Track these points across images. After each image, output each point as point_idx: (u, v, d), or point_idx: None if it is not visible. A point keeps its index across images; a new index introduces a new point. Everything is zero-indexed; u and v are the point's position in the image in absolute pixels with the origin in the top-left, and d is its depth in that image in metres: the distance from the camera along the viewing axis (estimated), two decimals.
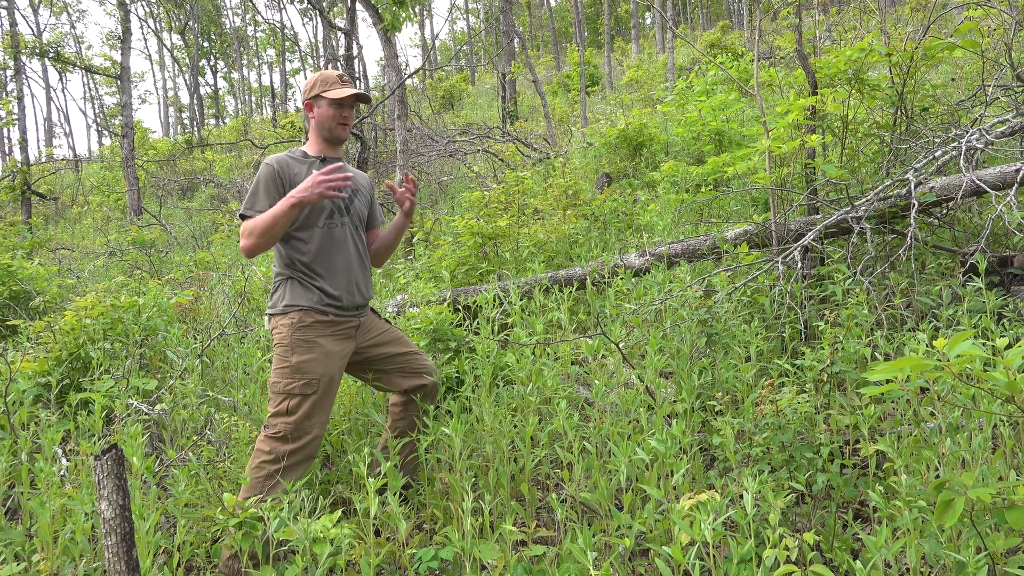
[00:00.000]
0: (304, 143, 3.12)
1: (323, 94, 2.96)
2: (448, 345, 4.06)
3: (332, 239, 2.93)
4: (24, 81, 18.29)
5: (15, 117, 16.61)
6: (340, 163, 3.06)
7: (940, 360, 1.85)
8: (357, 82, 13.61)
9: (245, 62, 51.74)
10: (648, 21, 47.20)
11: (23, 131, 16.57)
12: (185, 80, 43.23)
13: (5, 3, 14.61)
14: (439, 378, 3.26)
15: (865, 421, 2.63)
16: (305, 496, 2.47)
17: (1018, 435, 2.69)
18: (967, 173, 4.05)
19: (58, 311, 6.16)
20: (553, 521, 2.96)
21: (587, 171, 11.46)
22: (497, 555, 2.34)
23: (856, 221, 4.24)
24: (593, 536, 2.29)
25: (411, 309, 4.59)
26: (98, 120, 43.86)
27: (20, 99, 16.84)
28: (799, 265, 4.13)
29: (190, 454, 3.33)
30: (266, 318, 2.98)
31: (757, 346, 3.51)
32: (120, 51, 13.65)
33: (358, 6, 11.33)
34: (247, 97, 53.25)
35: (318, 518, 2.28)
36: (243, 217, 2.84)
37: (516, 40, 18.95)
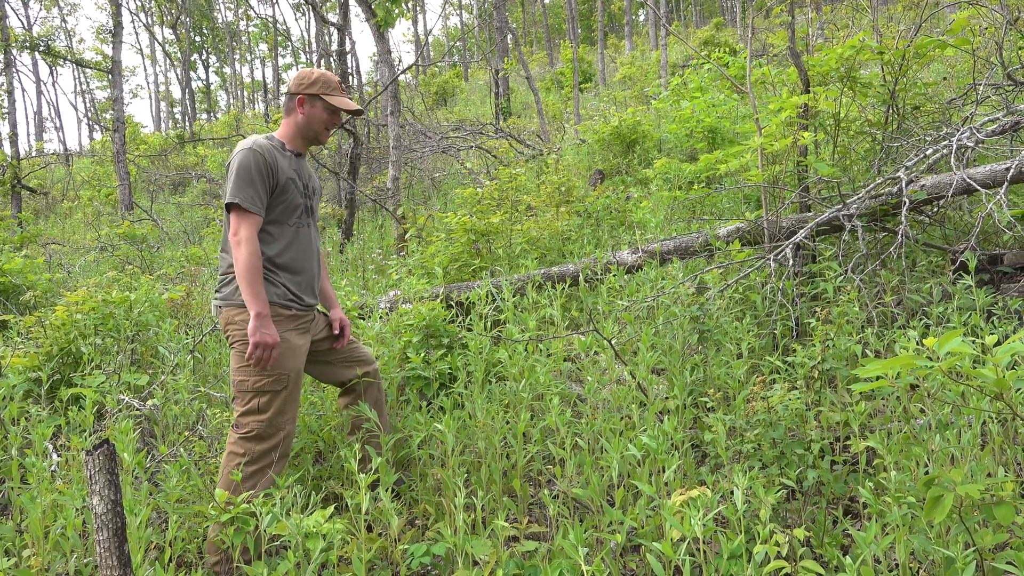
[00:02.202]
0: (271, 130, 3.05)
1: (324, 96, 2.91)
2: (441, 341, 4.06)
3: (299, 237, 2.93)
4: (14, 75, 18.18)
5: (5, 111, 16.51)
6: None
7: (930, 358, 1.86)
8: (350, 78, 13.57)
9: (237, 57, 51.48)
10: (642, 18, 47.20)
11: (13, 125, 16.46)
12: (177, 75, 43.04)
13: None
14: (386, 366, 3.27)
15: (855, 418, 2.65)
16: (297, 492, 2.47)
17: (1007, 432, 2.71)
18: (958, 171, 4.07)
19: (49, 306, 6.13)
20: (545, 517, 2.96)
21: (580, 168, 11.46)
22: (489, 551, 2.34)
23: (848, 219, 4.25)
24: (585, 532, 2.29)
25: (404, 305, 4.58)
26: (89, 114, 43.60)
27: (10, 93, 16.72)
28: (791, 262, 4.14)
29: (181, 450, 3.32)
30: (215, 307, 2.89)
31: (749, 343, 3.52)
32: (111, 45, 13.56)
33: (351, 1, 11.30)
34: (239, 92, 53.01)
35: (310, 514, 2.29)
36: (240, 207, 2.72)
37: (509, 36, 18.92)
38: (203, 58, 47.17)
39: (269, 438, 2.76)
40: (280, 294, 2.84)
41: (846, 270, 3.98)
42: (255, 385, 2.75)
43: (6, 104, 16.48)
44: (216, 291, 2.92)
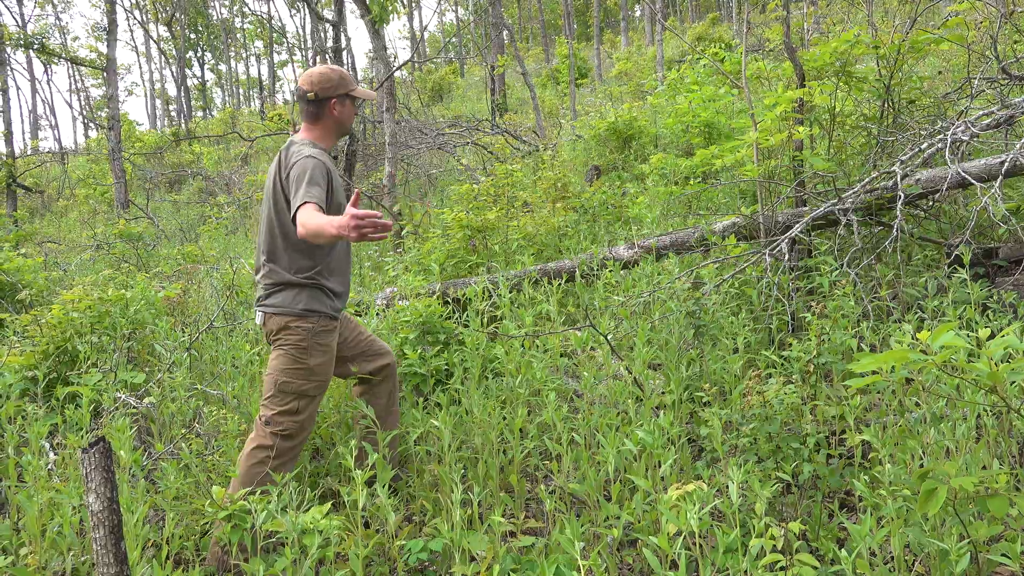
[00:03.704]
0: (297, 136, 2.98)
1: (351, 93, 2.98)
2: (437, 337, 4.06)
3: (346, 248, 3.03)
4: (8, 73, 18.10)
5: (0, 109, 16.44)
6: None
7: (925, 351, 1.87)
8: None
9: (233, 54, 51.33)
10: (637, 14, 47.16)
11: (8, 123, 16.40)
12: (172, 72, 42.83)
13: None
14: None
15: (851, 411, 2.66)
16: (294, 488, 2.47)
17: (1001, 425, 2.72)
18: (953, 165, 4.07)
19: (45, 305, 6.11)
20: (542, 512, 2.97)
21: (576, 164, 11.45)
22: (486, 546, 2.35)
23: (843, 213, 4.26)
24: (581, 527, 2.30)
25: (400, 302, 4.58)
26: (84, 112, 43.38)
27: (5, 91, 16.66)
28: (786, 257, 4.15)
29: (182, 444, 3.32)
30: (264, 315, 2.90)
31: (745, 337, 3.53)
32: (106, 43, 13.52)
33: None
34: (235, 89, 52.89)
35: (307, 510, 2.29)
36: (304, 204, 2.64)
37: (505, 32, 18.88)
38: (198, 55, 47.02)
39: (295, 437, 2.86)
40: (331, 306, 2.91)
41: (841, 264, 3.99)
42: (300, 388, 2.84)
43: (0, 102, 16.42)
44: (263, 301, 2.92)
